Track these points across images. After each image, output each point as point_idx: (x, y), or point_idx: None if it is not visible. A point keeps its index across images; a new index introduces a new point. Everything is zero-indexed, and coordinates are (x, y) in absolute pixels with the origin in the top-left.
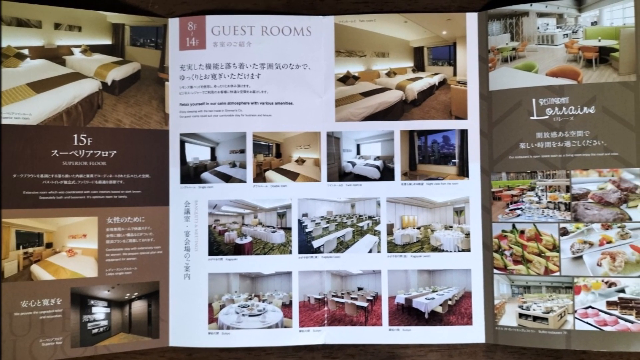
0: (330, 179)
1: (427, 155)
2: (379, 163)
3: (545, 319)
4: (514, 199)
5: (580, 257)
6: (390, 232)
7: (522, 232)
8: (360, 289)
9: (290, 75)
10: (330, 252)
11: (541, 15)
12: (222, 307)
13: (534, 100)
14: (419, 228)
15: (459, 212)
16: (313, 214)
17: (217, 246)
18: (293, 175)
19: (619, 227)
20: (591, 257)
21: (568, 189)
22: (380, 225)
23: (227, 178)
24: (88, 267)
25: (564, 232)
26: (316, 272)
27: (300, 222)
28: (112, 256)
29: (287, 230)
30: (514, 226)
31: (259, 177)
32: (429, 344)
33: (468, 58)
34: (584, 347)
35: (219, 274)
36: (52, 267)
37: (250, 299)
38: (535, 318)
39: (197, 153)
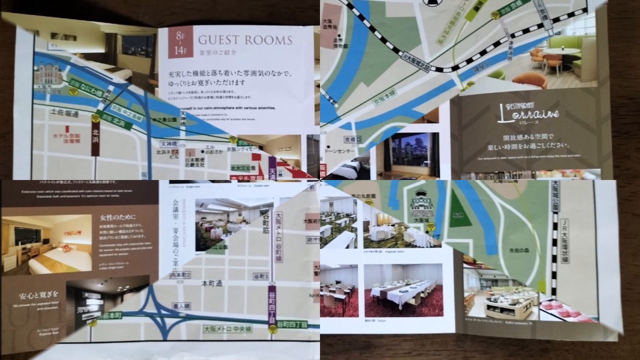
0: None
1: (401, 157)
2: (355, 164)
3: (512, 311)
4: None
5: None
6: (366, 229)
7: None
8: (338, 282)
9: (272, 81)
10: None
11: None
12: None
13: (501, 105)
14: (393, 225)
15: None
16: None
17: (204, 242)
18: None
19: None
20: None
21: None
22: (357, 222)
23: None
24: (83, 261)
25: None
26: None
27: None
28: (105, 251)
29: None
30: None
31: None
32: (402, 334)
33: None
34: (548, 337)
35: None
36: (48, 262)
37: None
38: (502, 309)
39: None
